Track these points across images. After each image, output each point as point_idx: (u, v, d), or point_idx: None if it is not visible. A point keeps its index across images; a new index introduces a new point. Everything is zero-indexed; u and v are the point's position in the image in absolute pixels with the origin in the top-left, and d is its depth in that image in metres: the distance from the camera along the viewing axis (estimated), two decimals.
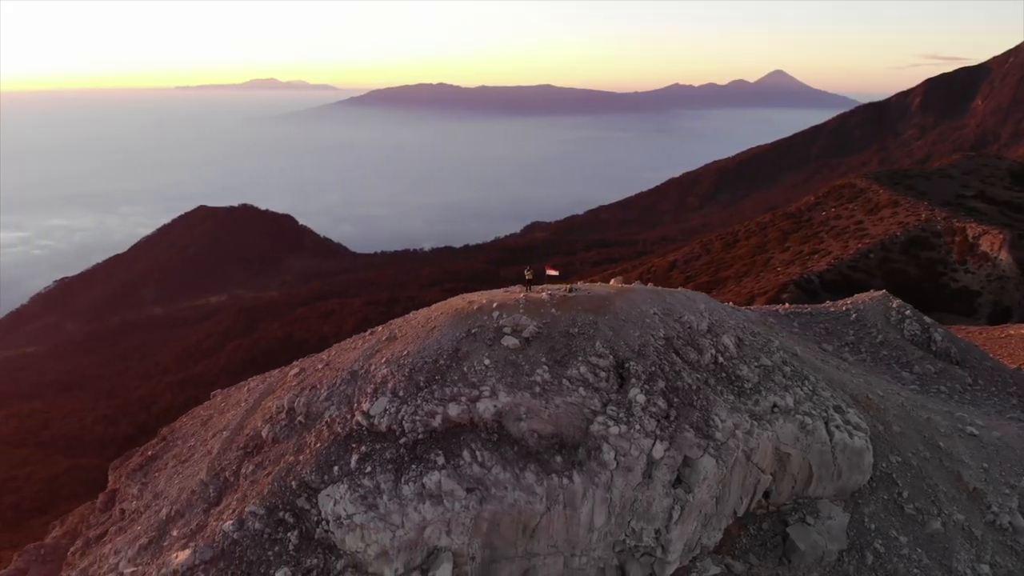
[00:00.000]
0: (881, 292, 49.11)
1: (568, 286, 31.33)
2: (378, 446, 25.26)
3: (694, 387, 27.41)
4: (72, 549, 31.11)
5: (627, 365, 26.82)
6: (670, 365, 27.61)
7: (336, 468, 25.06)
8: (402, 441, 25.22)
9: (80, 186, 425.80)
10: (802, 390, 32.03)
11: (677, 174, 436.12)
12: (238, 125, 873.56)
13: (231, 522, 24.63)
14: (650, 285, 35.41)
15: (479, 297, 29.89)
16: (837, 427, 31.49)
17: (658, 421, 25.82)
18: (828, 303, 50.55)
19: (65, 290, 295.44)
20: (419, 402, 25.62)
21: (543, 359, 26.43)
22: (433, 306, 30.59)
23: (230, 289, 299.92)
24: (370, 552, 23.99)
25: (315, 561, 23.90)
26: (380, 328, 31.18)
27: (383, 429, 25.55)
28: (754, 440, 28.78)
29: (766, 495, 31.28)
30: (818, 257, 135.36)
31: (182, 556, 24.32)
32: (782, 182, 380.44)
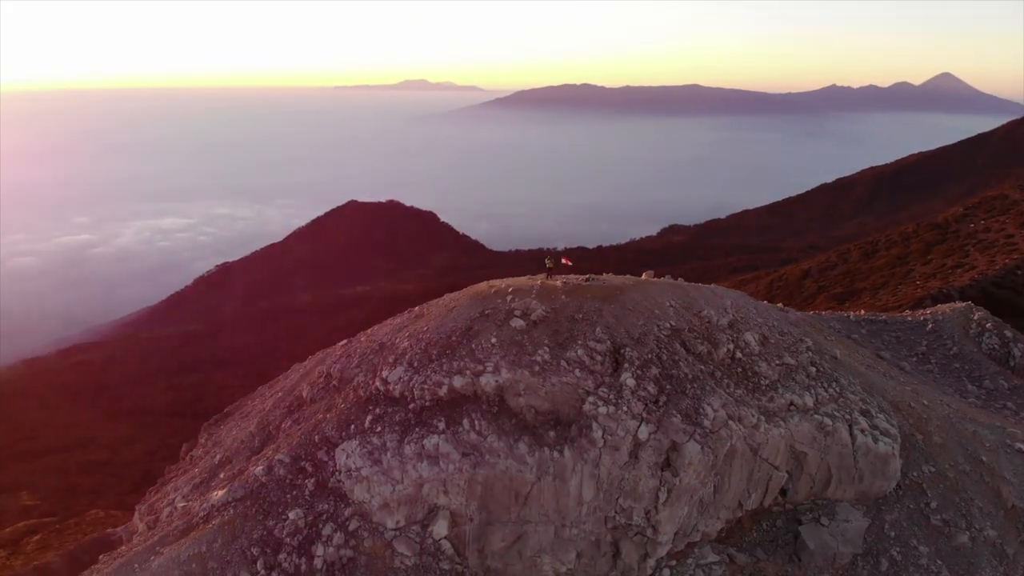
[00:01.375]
0: (965, 304, 47.04)
1: (586, 276, 32.94)
2: (390, 409, 28.10)
3: (691, 376, 28.38)
4: (150, 489, 36.01)
5: (623, 351, 28.21)
6: (669, 354, 28.71)
7: (353, 426, 28.13)
8: (411, 406, 27.93)
9: (243, 178, 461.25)
10: (827, 392, 32.06)
11: (830, 179, 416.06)
12: (389, 124, 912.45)
13: (262, 467, 28.23)
14: (713, 285, 36.40)
15: (501, 283, 32.08)
16: (861, 431, 31.33)
17: (646, 405, 27.08)
18: (907, 312, 48.90)
19: (225, 274, 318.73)
20: (429, 372, 28.21)
21: (546, 341, 28.31)
22: (463, 289, 33.06)
23: (374, 280, 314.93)
24: (374, 503, 26.87)
25: (326, 507, 27.05)
26: (417, 308, 34.02)
27: (396, 395, 28.35)
28: (761, 435, 29.35)
29: (783, 493, 31.65)
30: (961, 271, 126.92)
31: (219, 493, 28.16)
32: (944, 192, 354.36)
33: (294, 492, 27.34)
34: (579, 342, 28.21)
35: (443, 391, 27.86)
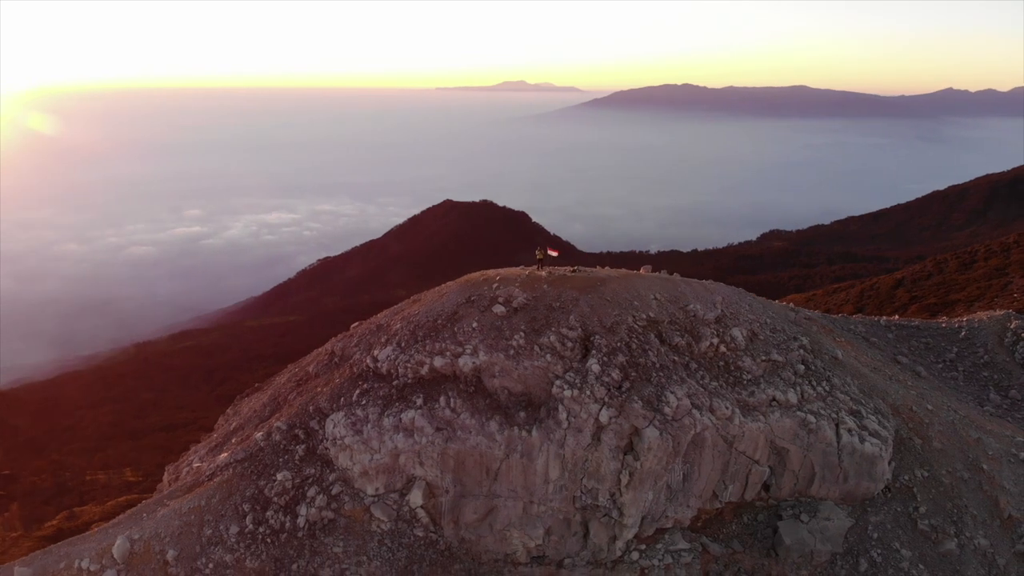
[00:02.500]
0: (1003, 312, 45.36)
1: (572, 267, 34.16)
2: (376, 385, 30.25)
3: (659, 365, 29.25)
4: (183, 453, 39.47)
5: (592, 338, 29.37)
6: (640, 344, 29.65)
7: (342, 399, 30.44)
8: (395, 383, 29.99)
9: (347, 176, 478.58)
10: (814, 390, 32.18)
11: (942, 187, 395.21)
12: (488, 125, 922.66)
13: (262, 433, 30.93)
14: (709, 281, 36.99)
15: (494, 272, 33.74)
16: (848, 430, 31.35)
17: (608, 390, 28.17)
18: (943, 318, 47.56)
19: (326, 268, 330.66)
20: (413, 352, 30.18)
21: (522, 327, 29.78)
22: (459, 278, 34.85)
23: None
24: (355, 469, 29.07)
25: (312, 471, 29.45)
26: (419, 294, 36.06)
27: (384, 372, 30.47)
28: (737, 428, 29.94)
29: (767, 488, 32.02)
30: None
31: (224, 456, 31.03)
32: None
33: (286, 456, 29.88)
34: (552, 329, 29.58)
35: (424, 370, 29.80)
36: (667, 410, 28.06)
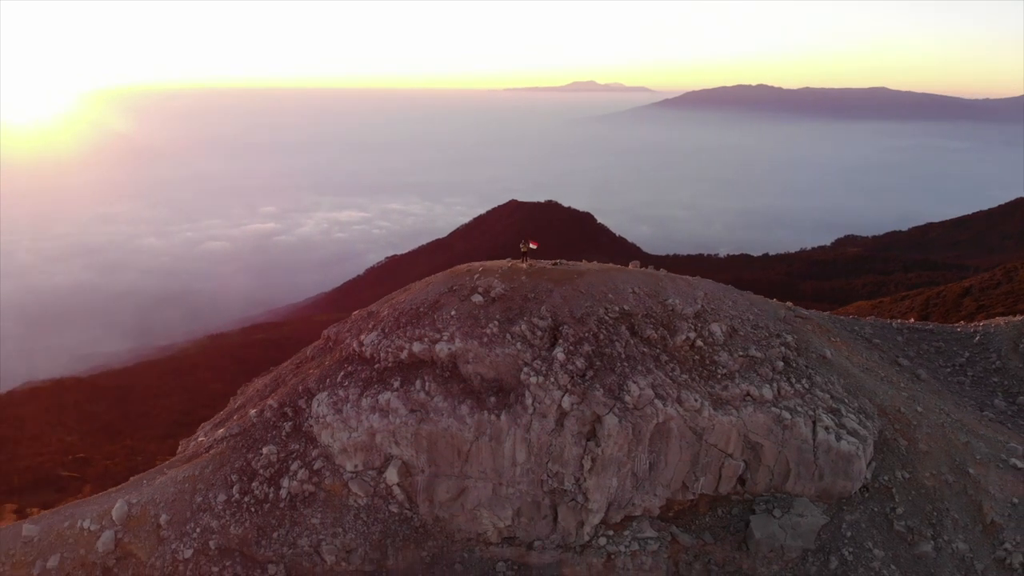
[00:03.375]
0: (1021, 318, 44.14)
1: (554, 260, 35.09)
2: (359, 368, 31.88)
3: (624, 356, 29.97)
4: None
5: (561, 328, 30.31)
6: (608, 335, 30.43)
7: (328, 380, 32.18)
8: (376, 367, 31.54)
9: (417, 176, 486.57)
10: (792, 387, 32.36)
11: None
12: (557, 125, 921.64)
13: (255, 410, 32.97)
14: (696, 277, 37.50)
15: (479, 264, 34.98)
16: (825, 428, 31.46)
17: (571, 378, 29.08)
18: (961, 323, 46.55)
19: (394, 266, 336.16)
20: (394, 338, 31.66)
21: (497, 316, 30.91)
22: (447, 269, 36.19)
23: None
24: (335, 446, 30.75)
25: (297, 447, 31.26)
26: (410, 284, 37.51)
27: (367, 356, 32.07)
28: (706, 420, 30.45)
29: (742, 482, 32.36)
30: None
31: (222, 431, 33.16)
32: None
33: (274, 432, 31.79)
34: (525, 318, 30.65)
35: (404, 355, 31.27)
36: (628, 399, 28.82)
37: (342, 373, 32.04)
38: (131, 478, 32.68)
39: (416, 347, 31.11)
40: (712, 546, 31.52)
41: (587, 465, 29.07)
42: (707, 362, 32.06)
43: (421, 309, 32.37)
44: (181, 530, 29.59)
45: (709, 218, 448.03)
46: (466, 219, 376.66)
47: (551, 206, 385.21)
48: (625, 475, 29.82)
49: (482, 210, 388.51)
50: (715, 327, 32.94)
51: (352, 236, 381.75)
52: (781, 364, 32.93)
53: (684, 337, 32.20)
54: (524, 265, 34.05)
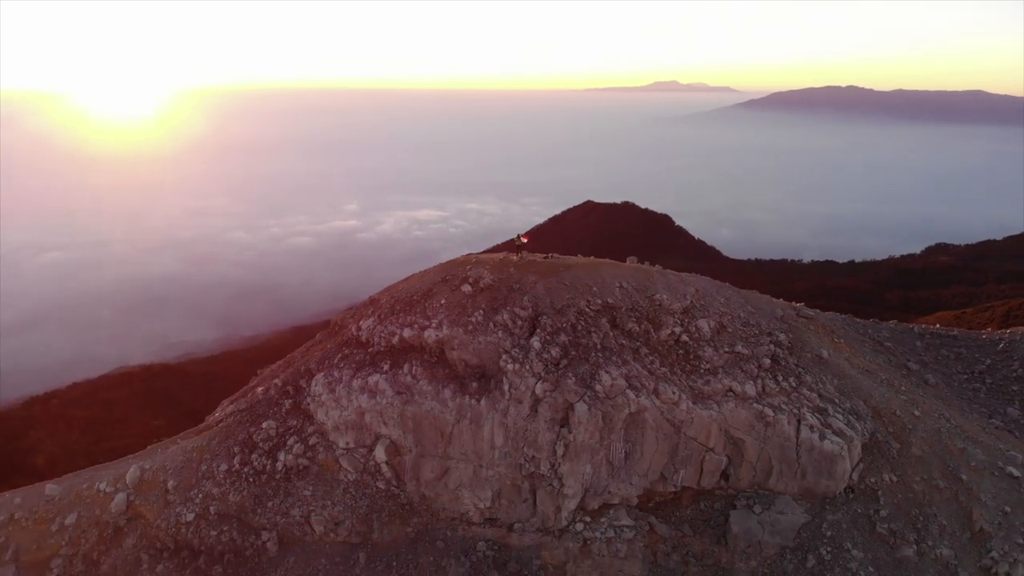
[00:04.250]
0: None
1: (547, 254, 36.03)
2: (355, 351, 33.67)
3: (600, 347, 30.72)
4: None
5: (540, 318, 31.28)
6: (586, 325, 31.23)
7: (327, 362, 34.11)
8: (370, 350, 33.28)
9: (495, 176, 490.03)
10: (778, 384, 32.45)
11: None
12: (637, 126, 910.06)
13: (262, 388, 35.20)
14: (693, 274, 38.04)
15: (475, 256, 36.31)
16: (809, 427, 31.49)
17: (546, 366, 30.05)
18: (988, 330, 45.10)
19: None
20: (387, 324, 33.32)
21: (483, 305, 32.14)
22: (445, 261, 37.61)
23: None
24: (329, 424, 32.62)
25: (295, 423, 33.28)
26: (413, 274, 39.07)
27: (363, 340, 33.84)
28: (684, 413, 30.97)
29: (726, 477, 32.66)
30: None
31: (232, 407, 35.52)
32: None
33: (275, 409, 33.93)
34: (507, 308, 31.80)
35: (396, 340, 32.90)
36: (599, 388, 29.63)
37: (339, 355, 33.94)
38: (148, 446, 35.39)
39: (407, 333, 32.69)
40: (691, 538, 31.95)
41: (560, 451, 30.04)
42: (691, 357, 32.51)
43: (415, 297, 33.95)
44: (186, 495, 31.99)
45: (793, 223, 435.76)
46: (541, 219, 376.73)
47: (628, 207, 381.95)
48: (599, 462, 30.62)
49: (558, 211, 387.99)
50: (703, 323, 33.34)
51: (429, 234, 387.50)
52: (768, 361, 33.05)
53: (669, 331, 32.74)
54: (515, 258, 35.21)
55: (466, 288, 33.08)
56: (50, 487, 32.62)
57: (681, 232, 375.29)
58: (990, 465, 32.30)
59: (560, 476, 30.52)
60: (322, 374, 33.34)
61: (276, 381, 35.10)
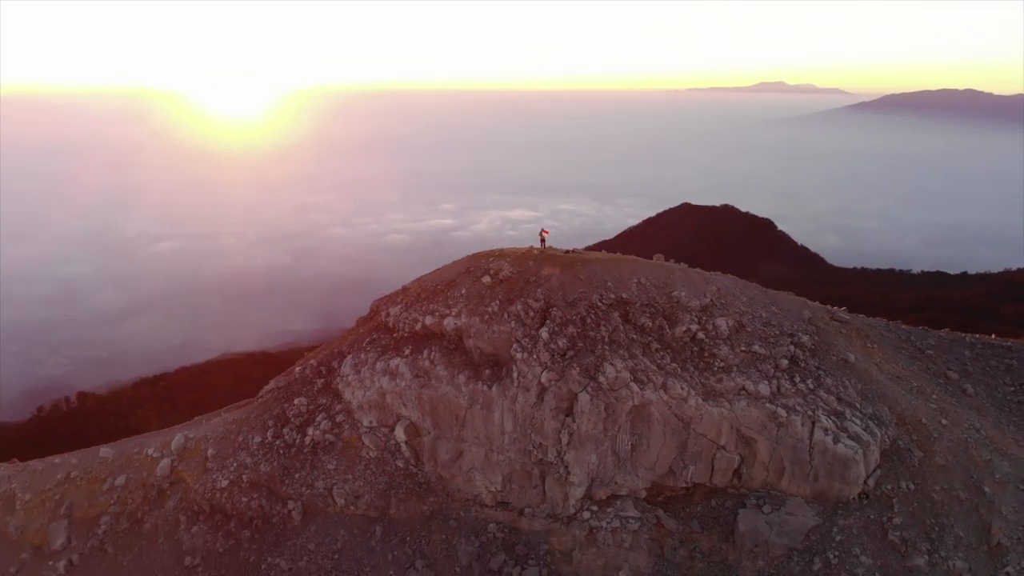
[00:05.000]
0: None
1: (568, 249, 36.74)
2: (383, 336, 35.47)
3: (608, 340, 31.29)
4: None
5: (551, 310, 32.10)
6: (595, 319, 31.83)
7: (357, 345, 36.07)
8: (395, 335, 34.99)
9: (590, 177, 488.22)
10: (795, 386, 32.19)
11: None
12: (741, 127, 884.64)
13: (300, 367, 37.46)
14: (716, 273, 38.05)
15: (499, 249, 37.42)
16: (824, 430, 31.18)
17: (552, 356, 30.88)
18: None
19: None
20: (412, 311, 34.93)
21: (500, 296, 33.27)
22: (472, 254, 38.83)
23: None
24: (354, 403, 34.52)
25: (324, 401, 35.35)
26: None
27: (391, 325, 35.60)
28: (693, 409, 31.23)
29: (739, 476, 32.65)
30: None
31: (273, 383, 37.95)
32: None
33: (308, 387, 36.13)
34: (522, 299, 32.83)
35: (418, 326, 34.49)
36: (602, 379, 30.28)
37: (368, 339, 35.85)
38: (195, 417, 38.26)
39: (428, 320, 34.23)
40: (699, 535, 32.15)
41: (564, 439, 30.87)
42: (705, 354, 32.67)
43: (439, 287, 35.46)
44: (222, 463, 34.55)
45: (904, 231, 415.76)
46: (636, 221, 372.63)
47: (727, 211, 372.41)
48: (605, 453, 31.27)
49: (653, 212, 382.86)
50: (721, 321, 33.42)
51: (522, 234, 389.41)
52: (785, 362, 32.83)
53: (685, 328, 33.00)
54: (535, 251, 36.17)
55: (486, 279, 34.33)
56: (104, 450, 35.82)
57: (783, 237, 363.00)
58: (1015, 478, 31.15)
59: (566, 464, 31.35)
60: (351, 356, 35.33)
61: (312, 361, 37.37)
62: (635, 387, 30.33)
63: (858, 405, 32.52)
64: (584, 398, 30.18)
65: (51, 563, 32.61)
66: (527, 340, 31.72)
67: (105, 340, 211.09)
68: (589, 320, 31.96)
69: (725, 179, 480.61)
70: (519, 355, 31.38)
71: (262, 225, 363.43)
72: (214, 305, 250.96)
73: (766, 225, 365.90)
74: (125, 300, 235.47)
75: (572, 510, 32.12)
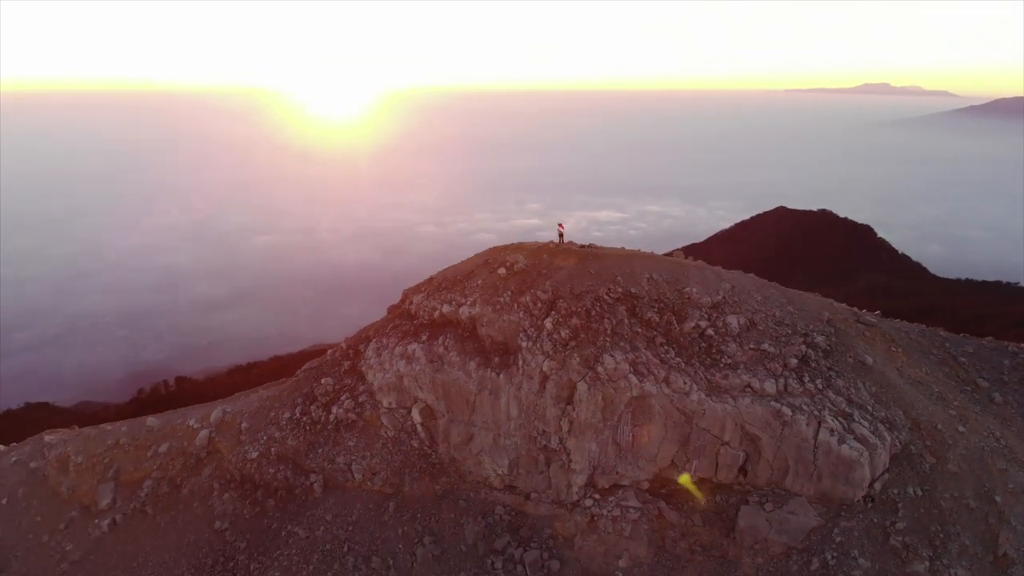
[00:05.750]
0: None
1: (583, 244, 37.37)
2: (404, 322, 37.17)
3: (610, 332, 31.91)
4: None
5: (557, 302, 32.96)
6: (600, 311, 32.49)
7: (382, 330, 37.91)
8: (415, 322, 36.64)
9: (681, 178, 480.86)
10: (803, 385, 32.05)
11: None
12: (843, 130, 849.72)
13: (332, 350, 39.62)
14: (736, 272, 38.14)
15: (518, 243, 38.45)
16: (829, 430, 30.99)
17: (554, 345, 31.76)
18: None
19: None
20: (431, 300, 36.51)
21: (512, 287, 34.39)
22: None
23: None
24: (375, 384, 36.38)
25: (349, 381, 37.35)
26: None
27: (413, 312, 37.30)
28: (695, 404, 31.58)
29: (744, 473, 32.76)
30: None
31: (308, 364, 40.31)
32: None
33: (336, 368, 38.25)
34: (531, 290, 33.87)
35: (436, 314, 36.04)
36: (600, 370, 31.00)
37: (392, 325, 37.67)
38: (235, 393, 40.99)
39: (445, 309, 35.75)
40: (700, 528, 32.42)
41: (565, 427, 31.77)
42: (713, 351, 32.91)
43: (458, 277, 36.93)
44: (254, 436, 37.04)
45: (1016, 242, 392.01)
46: (728, 224, 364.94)
47: (824, 215, 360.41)
48: (605, 442, 31.98)
49: (746, 215, 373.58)
50: (731, 318, 33.58)
51: (608, 235, 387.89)
52: (795, 361, 32.71)
53: (693, 324, 33.33)
54: (550, 245, 37.12)
55: (501, 271, 35.57)
56: (151, 420, 38.94)
57: (883, 245, 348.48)
58: None
59: (568, 451, 32.24)
60: (375, 340, 37.24)
61: (342, 344, 39.50)
62: (634, 379, 30.94)
63: (870, 408, 32.10)
64: (582, 387, 31.02)
65: (96, 521, 35.80)
66: (533, 330, 32.79)
67: (204, 328, 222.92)
68: (594, 312, 32.73)
69: (824, 183, 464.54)
70: (525, 344, 32.49)
71: (355, 222, 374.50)
72: (308, 298, 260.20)
73: (866, 232, 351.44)
74: (224, 291, 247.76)
75: (575, 497, 32.96)
